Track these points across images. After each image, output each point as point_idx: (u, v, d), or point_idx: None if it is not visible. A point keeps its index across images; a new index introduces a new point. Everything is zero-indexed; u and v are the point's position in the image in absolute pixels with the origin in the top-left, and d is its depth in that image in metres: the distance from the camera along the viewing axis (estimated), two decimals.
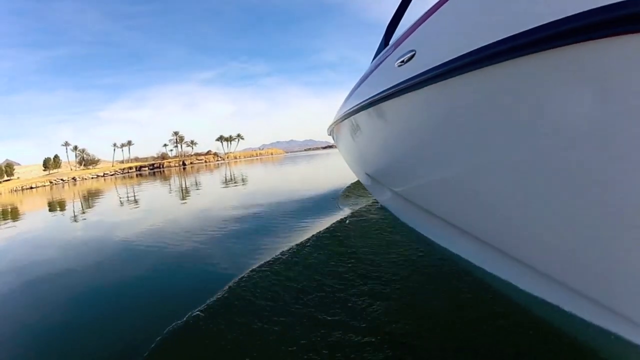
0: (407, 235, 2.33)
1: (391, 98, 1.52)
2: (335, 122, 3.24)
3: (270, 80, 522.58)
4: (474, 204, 1.33)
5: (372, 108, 1.83)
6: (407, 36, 1.41)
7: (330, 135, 4.23)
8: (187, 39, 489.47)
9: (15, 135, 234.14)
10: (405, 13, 2.09)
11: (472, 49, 0.98)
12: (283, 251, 2.31)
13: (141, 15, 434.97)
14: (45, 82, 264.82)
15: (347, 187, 5.29)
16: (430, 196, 1.69)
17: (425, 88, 1.23)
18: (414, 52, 1.31)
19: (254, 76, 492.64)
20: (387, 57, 1.64)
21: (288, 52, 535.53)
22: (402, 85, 1.37)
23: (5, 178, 64.03)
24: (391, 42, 1.77)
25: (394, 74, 1.46)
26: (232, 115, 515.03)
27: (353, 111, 2.23)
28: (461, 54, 1.02)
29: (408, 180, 1.90)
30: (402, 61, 1.39)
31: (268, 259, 2.20)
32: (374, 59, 2.06)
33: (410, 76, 1.30)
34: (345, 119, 2.57)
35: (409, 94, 1.35)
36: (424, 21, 1.27)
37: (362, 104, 1.96)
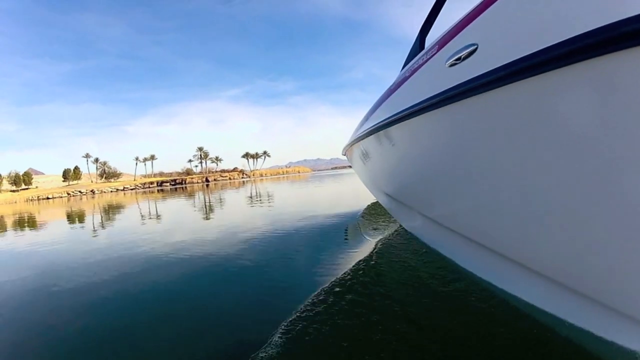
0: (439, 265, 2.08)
1: (443, 105, 1.25)
2: (353, 141, 3.03)
3: (298, 98, 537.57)
4: (534, 232, 1.12)
5: (412, 119, 1.54)
6: (460, 30, 1.18)
7: (344, 155, 4.10)
8: (214, 56, 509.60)
9: (41, 144, 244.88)
10: (441, 12, 1.81)
11: (575, 35, 0.76)
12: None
13: (168, 30, 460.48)
14: (72, 94, 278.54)
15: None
16: (479, 221, 1.43)
17: (501, 89, 0.97)
18: (475, 47, 1.09)
19: (282, 94, 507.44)
20: (427, 59, 1.42)
21: (316, 71, 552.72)
22: (462, 88, 1.12)
23: (23, 187, 64.48)
24: (428, 44, 1.54)
25: (444, 75, 1.23)
26: (259, 133, 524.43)
27: (382, 126, 1.95)
28: (559, 40, 0.79)
29: (450, 202, 1.64)
30: (458, 58, 1.16)
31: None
32: (403, 68, 1.84)
33: (474, 75, 1.06)
34: (370, 135, 2.29)
35: (474, 97, 1.09)
36: (487, 7, 1.04)
37: (394, 118, 1.73)
